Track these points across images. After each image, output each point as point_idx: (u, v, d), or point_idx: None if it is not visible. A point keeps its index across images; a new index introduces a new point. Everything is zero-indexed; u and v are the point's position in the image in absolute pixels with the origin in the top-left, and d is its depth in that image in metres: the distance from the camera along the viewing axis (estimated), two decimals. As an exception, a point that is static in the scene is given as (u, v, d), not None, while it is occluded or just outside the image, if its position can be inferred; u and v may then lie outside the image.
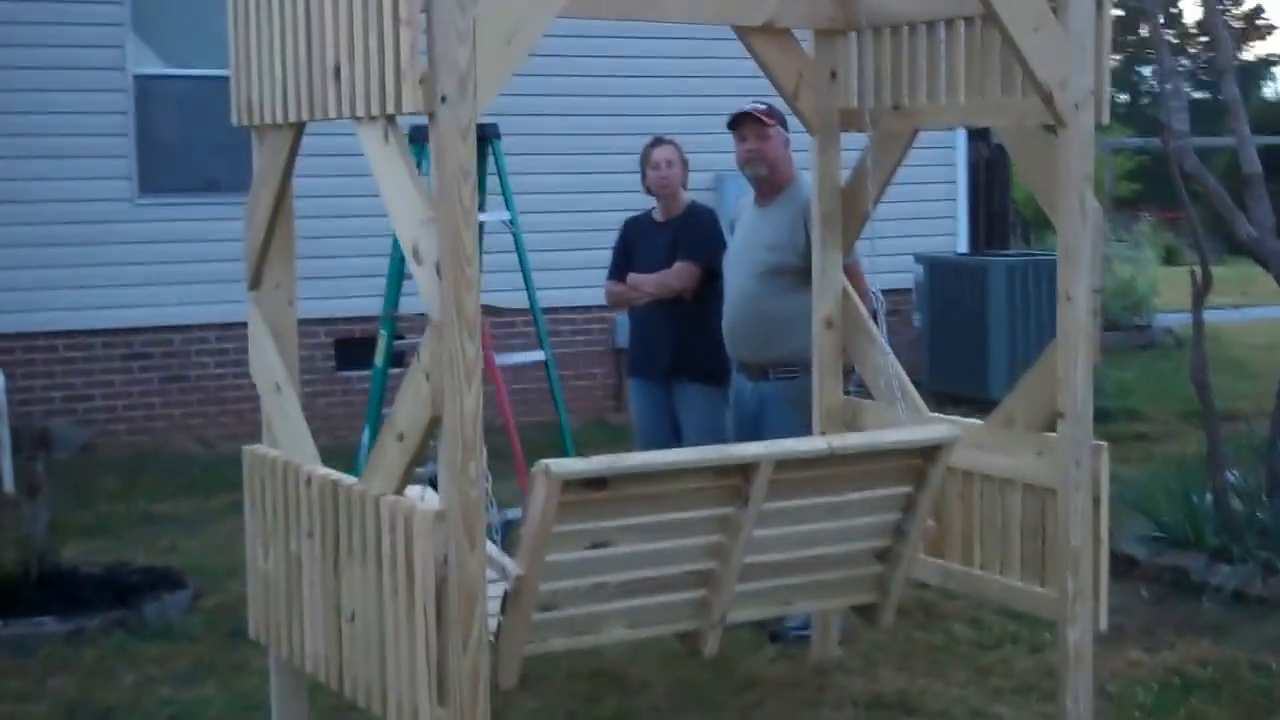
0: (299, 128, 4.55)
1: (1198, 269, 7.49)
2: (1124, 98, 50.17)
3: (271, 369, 4.83)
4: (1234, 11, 53.74)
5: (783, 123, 6.43)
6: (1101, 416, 11.88)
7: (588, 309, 12.27)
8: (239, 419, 11.37)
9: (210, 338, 11.52)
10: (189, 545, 8.38)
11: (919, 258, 13.34)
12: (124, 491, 9.84)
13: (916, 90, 5.52)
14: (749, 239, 6.51)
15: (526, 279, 8.03)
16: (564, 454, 8.25)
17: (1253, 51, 54.45)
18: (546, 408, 8.60)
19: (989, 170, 16.22)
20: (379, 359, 7.84)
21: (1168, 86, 7.46)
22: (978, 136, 14.87)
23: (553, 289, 10.93)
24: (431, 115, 3.79)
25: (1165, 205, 33.86)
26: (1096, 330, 5.03)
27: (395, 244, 7.74)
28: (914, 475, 4.94)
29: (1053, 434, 5.11)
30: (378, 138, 4.00)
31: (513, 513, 7.18)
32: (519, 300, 8.14)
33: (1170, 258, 25.93)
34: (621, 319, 12.16)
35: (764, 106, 6.41)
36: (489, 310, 8.10)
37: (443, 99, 3.76)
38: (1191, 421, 12.60)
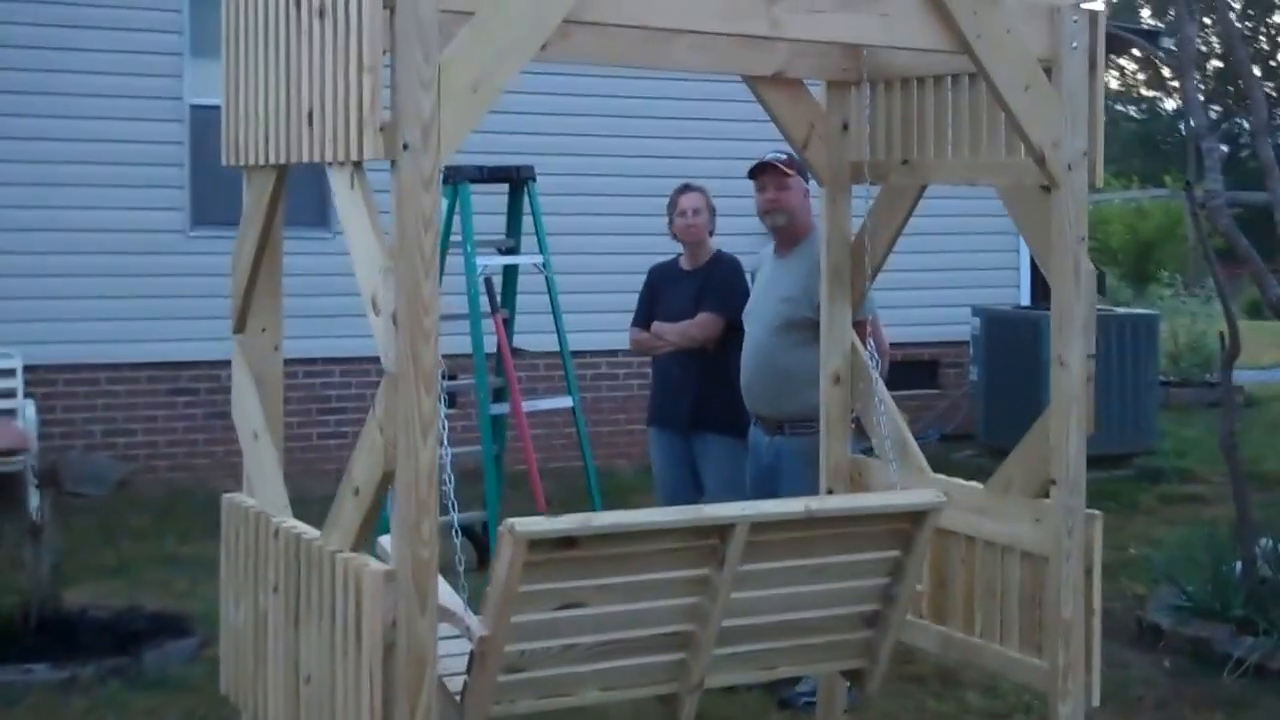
0: (282, 169, 4.52)
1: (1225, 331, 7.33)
2: (1224, 148, 49.52)
3: (250, 416, 4.79)
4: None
5: (802, 172, 6.35)
6: (1154, 476, 11.98)
7: (611, 354, 12.17)
8: (284, 458, 11.29)
9: (255, 374, 11.52)
10: (207, 590, 8.25)
11: (976, 310, 13.18)
12: (152, 531, 9.81)
13: (924, 145, 5.42)
14: (766, 291, 6.44)
15: (558, 322, 8.00)
16: (591, 501, 8.20)
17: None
18: (569, 452, 8.54)
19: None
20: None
21: (1203, 144, 7.30)
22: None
23: (584, 332, 10.85)
24: (393, 163, 3.75)
25: (1227, 261, 33.34)
26: (1091, 397, 4.89)
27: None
28: (901, 539, 4.82)
29: (1049, 501, 4.99)
30: (344, 183, 3.96)
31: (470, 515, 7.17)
32: (548, 343, 8.11)
33: (1255, 312, 25.55)
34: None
35: (784, 156, 6.34)
36: (518, 354, 8.16)
37: (405, 146, 3.72)
38: (1251, 485, 12.38)
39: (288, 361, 11.48)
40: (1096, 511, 4.95)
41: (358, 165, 3.91)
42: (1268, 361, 22.06)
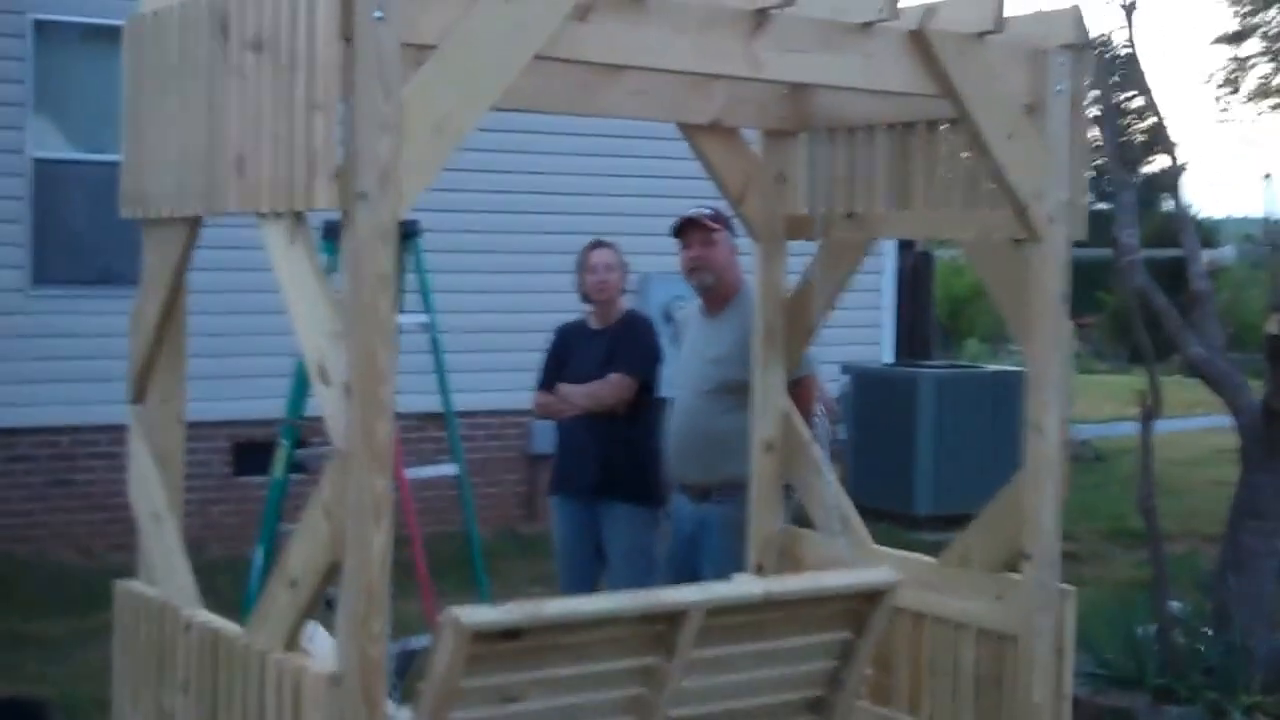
0: (194, 223, 4.06)
1: (1145, 389, 7.14)
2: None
3: (151, 496, 4.30)
4: (1137, 127, 54.61)
5: (729, 227, 6.01)
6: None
7: (502, 414, 11.75)
8: (127, 528, 10.59)
9: (101, 440, 10.77)
10: (57, 674, 7.67)
11: (846, 368, 12.98)
12: (-10, 607, 9.08)
13: (873, 198, 5.13)
14: (695, 353, 6.09)
15: (442, 385, 7.54)
16: (473, 569, 7.74)
17: (1153, 166, 55.12)
18: (452, 516, 8.10)
19: (914, 278, 15.95)
20: (278, 469, 7.28)
21: (1121, 199, 7.14)
22: (906, 244, 14.61)
23: (466, 392, 10.43)
24: (346, 214, 3.33)
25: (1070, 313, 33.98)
26: (1066, 463, 4.62)
27: (302, 345, 7.26)
28: (853, 620, 4.48)
29: (1014, 575, 4.70)
30: (282, 237, 3.52)
31: (416, 641, 6.69)
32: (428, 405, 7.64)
33: (1086, 368, 25.92)
34: (536, 424, 11.71)
35: (709, 211, 5.99)
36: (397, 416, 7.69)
37: (361, 195, 3.30)
38: (1118, 542, 12.30)
39: (101, 428, 10.81)
40: (1070, 587, 4.67)
41: (298, 216, 3.48)
42: (1108, 415, 22.27)
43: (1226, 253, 25.44)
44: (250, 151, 3.58)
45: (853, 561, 5.10)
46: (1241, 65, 25.46)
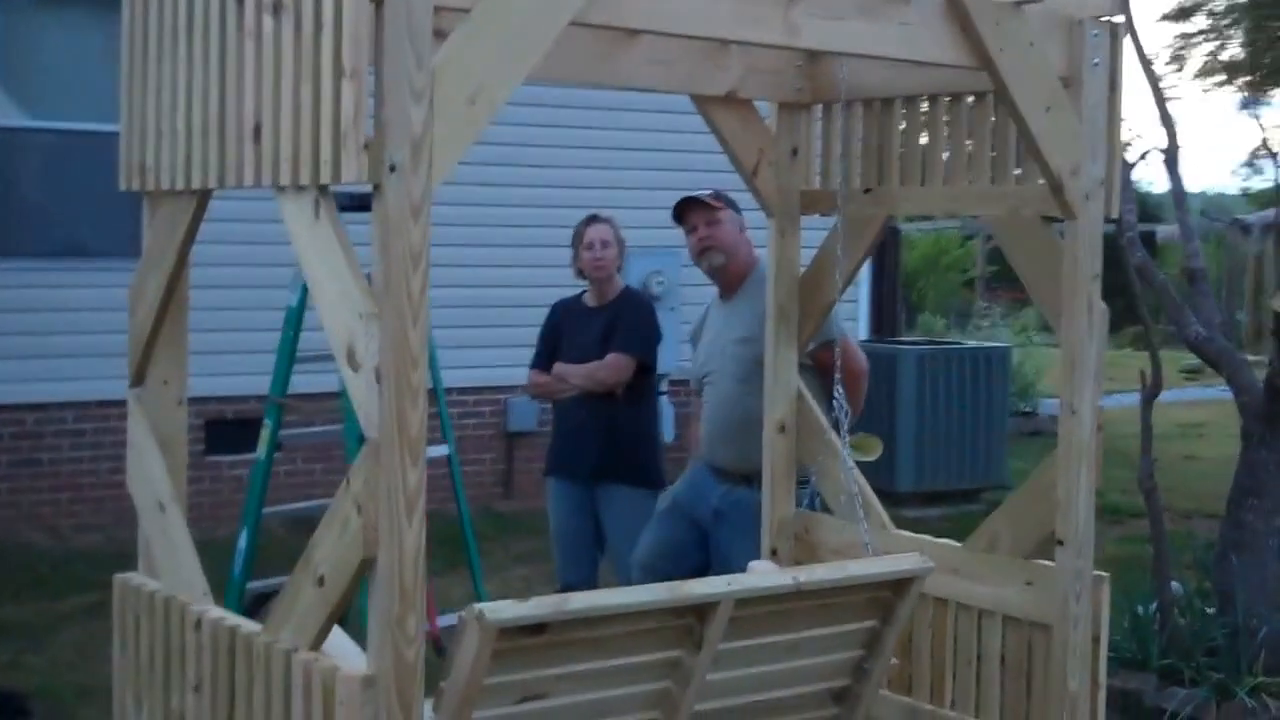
0: (203, 195, 3.85)
1: (1147, 369, 7.01)
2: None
3: (154, 483, 4.08)
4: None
5: (731, 205, 5.82)
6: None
7: (479, 390, 11.55)
8: (96, 508, 10.45)
9: (68, 418, 10.53)
10: (34, 661, 7.42)
11: (824, 345, 12.86)
12: (-43, 593, 8.84)
13: (889, 172, 4.96)
14: (719, 339, 5.89)
15: (433, 364, 7.34)
16: (464, 550, 7.56)
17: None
18: (436, 495, 7.89)
19: (881, 253, 15.83)
20: (262, 450, 7.07)
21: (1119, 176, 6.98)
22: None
23: (442, 368, 10.23)
24: (377, 187, 3.13)
25: (1011, 286, 33.96)
26: (1099, 448, 4.48)
27: (287, 321, 7.03)
28: (880, 609, 4.34)
29: (1044, 562, 4.56)
30: (304, 212, 3.31)
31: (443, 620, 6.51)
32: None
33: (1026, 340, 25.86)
34: (514, 401, 11.52)
35: (708, 191, 5.79)
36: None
37: (391, 168, 3.11)
38: (1100, 518, 12.21)
39: (99, 403, 10.61)
40: (1104, 574, 4.53)
41: (323, 190, 3.28)
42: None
43: (1176, 229, 25.40)
44: (269, 121, 3.37)
45: (874, 547, 4.95)
46: (1188, 41, 25.39)
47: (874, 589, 4.29)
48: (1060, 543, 4.43)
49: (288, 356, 7.05)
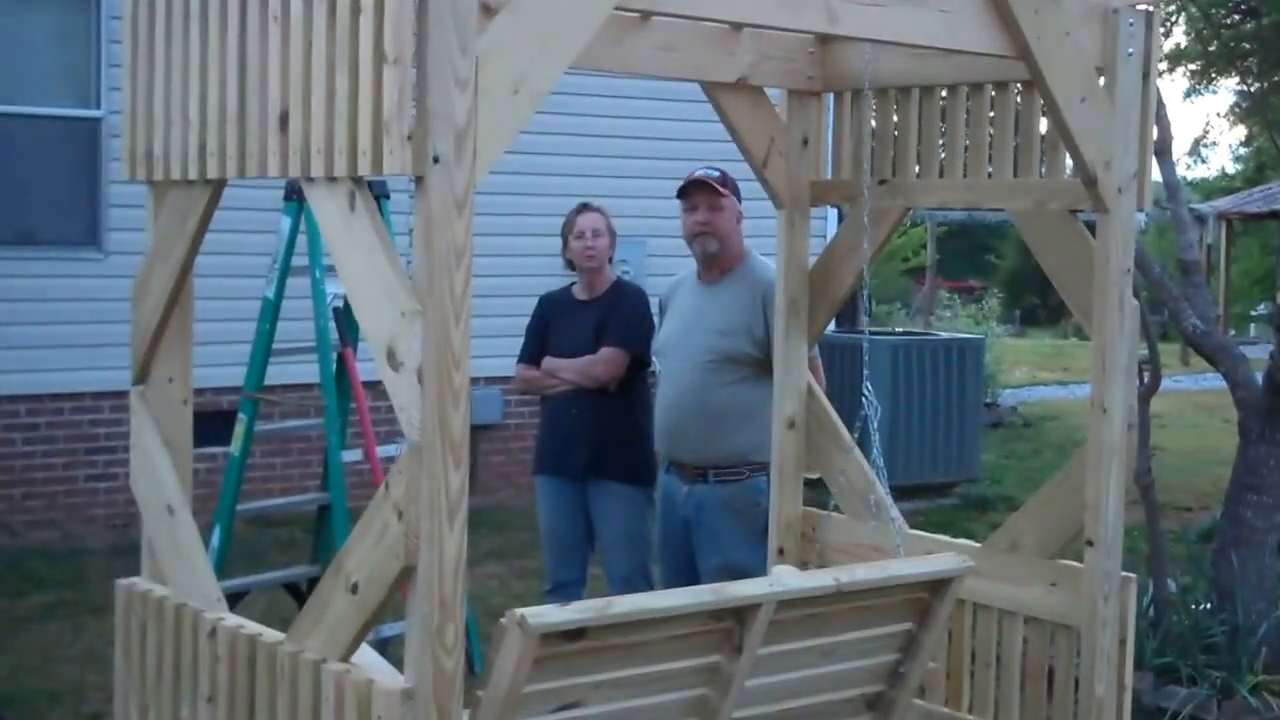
0: (218, 186, 3.68)
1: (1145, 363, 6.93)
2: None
3: (162, 485, 3.92)
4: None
5: (736, 192, 5.69)
6: (980, 504, 11.69)
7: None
8: (49, 503, 10.23)
9: (20, 410, 10.25)
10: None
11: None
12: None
13: (906, 163, 4.85)
14: (692, 322, 5.72)
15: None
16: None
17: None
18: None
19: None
20: (236, 447, 6.87)
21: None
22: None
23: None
24: (419, 180, 2.99)
25: (951, 276, 34.08)
26: (1132, 447, 4.39)
27: (264, 313, 6.85)
28: (917, 611, 4.24)
29: (1069, 563, 4.47)
30: (339, 205, 3.16)
31: (388, 629, 6.35)
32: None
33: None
34: (478, 393, 11.35)
35: (717, 172, 5.65)
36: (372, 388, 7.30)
37: (435, 160, 2.96)
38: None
39: (51, 396, 10.35)
40: (1132, 574, 4.45)
41: (359, 182, 3.13)
42: (1022, 380, 22.31)
43: (1139, 219, 25.55)
44: (298, 109, 3.22)
45: (891, 547, 4.85)
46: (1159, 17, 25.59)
47: (912, 590, 4.19)
48: (1090, 543, 4.33)
49: (264, 350, 6.87)
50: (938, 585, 4.20)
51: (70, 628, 7.75)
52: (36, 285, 10.11)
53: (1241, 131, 33.91)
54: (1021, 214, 4.59)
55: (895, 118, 4.88)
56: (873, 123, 4.99)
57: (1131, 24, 4.16)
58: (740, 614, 3.81)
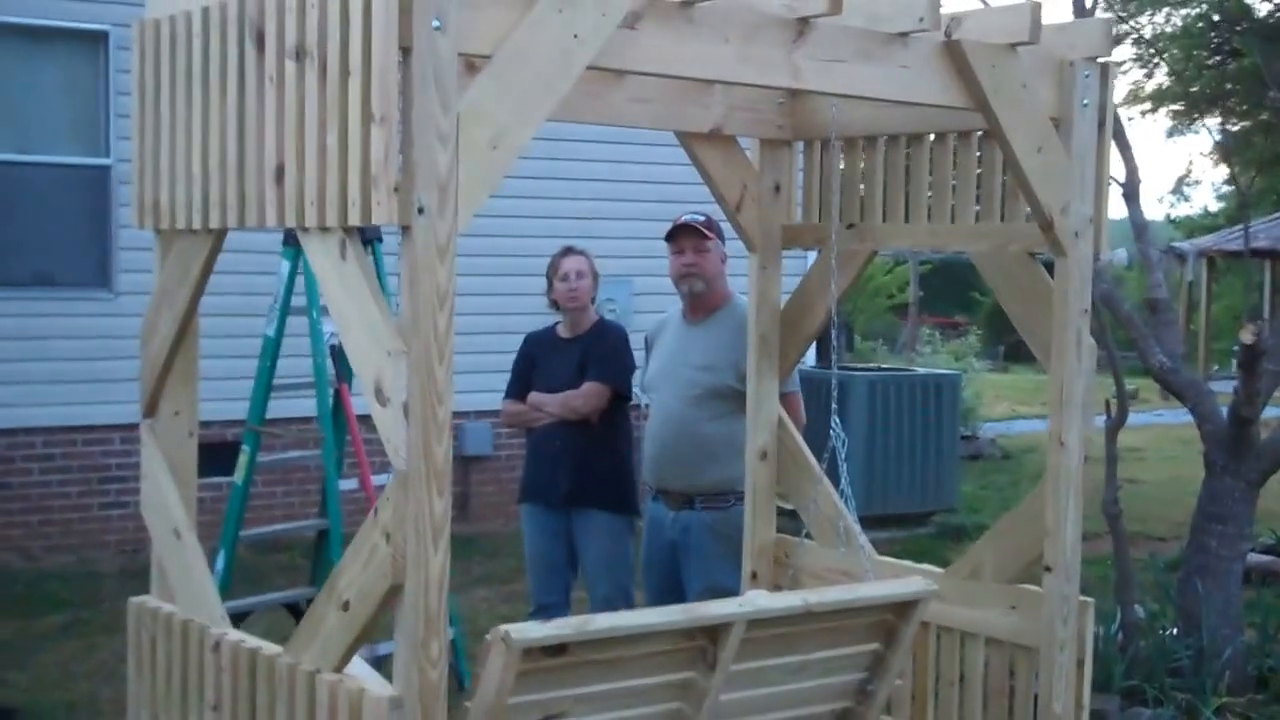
0: (219, 234, 3.93)
1: (1112, 398, 7.17)
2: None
3: (169, 511, 4.17)
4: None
5: (720, 235, 5.96)
6: (956, 534, 11.91)
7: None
8: (64, 530, 10.54)
9: (36, 443, 10.60)
10: (18, 679, 7.49)
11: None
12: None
13: (872, 209, 5.10)
14: (678, 358, 6.00)
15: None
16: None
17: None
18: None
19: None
20: (239, 476, 7.13)
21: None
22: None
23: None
24: (405, 229, 3.24)
25: (936, 312, 34.34)
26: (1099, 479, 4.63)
27: (265, 351, 7.11)
28: (884, 632, 4.47)
29: (1028, 587, 4.70)
30: (331, 252, 3.41)
31: (385, 647, 6.56)
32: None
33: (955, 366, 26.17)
34: (470, 425, 11.59)
35: (703, 217, 5.92)
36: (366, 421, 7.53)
37: (420, 210, 3.21)
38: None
39: (66, 429, 10.62)
40: (1089, 599, 4.68)
41: (349, 232, 3.38)
42: (1003, 414, 22.55)
43: (1120, 255, 25.77)
44: (292, 162, 3.47)
45: (860, 572, 5.07)
46: (1115, 69, 25.72)
47: (879, 612, 4.41)
48: (1048, 568, 4.56)
49: (265, 385, 7.13)
50: (903, 607, 4.43)
51: (85, 645, 8.09)
52: (51, 324, 10.48)
53: (1224, 170, 34.21)
54: (983, 256, 4.84)
55: (862, 165, 5.13)
56: (841, 168, 5.24)
57: (1087, 76, 4.40)
58: (713, 632, 4.04)
